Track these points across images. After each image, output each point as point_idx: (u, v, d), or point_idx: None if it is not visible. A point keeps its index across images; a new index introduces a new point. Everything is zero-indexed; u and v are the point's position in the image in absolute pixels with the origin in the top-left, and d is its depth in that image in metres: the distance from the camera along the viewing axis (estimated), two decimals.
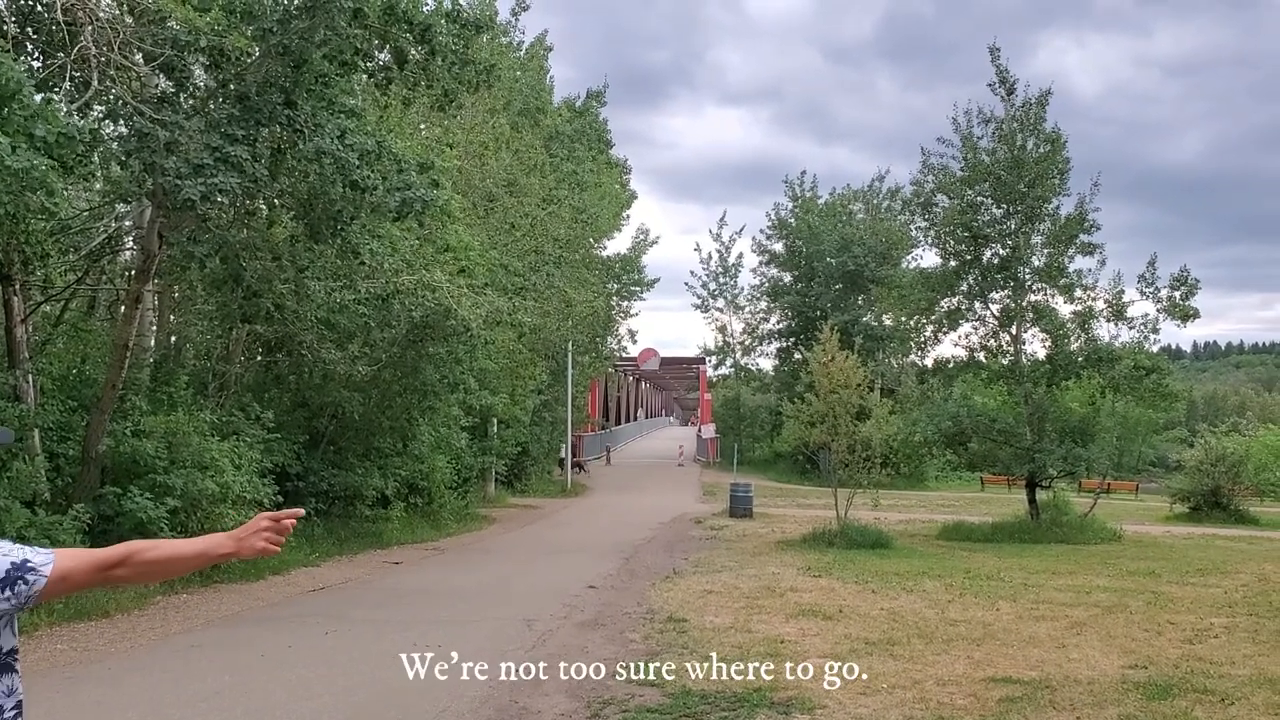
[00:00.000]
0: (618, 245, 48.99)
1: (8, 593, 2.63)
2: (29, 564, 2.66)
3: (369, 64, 14.26)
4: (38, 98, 10.57)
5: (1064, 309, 24.15)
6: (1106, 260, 24.18)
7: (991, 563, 17.49)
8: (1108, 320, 23.72)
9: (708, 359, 58.28)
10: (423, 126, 23.48)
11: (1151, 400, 23.57)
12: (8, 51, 10.75)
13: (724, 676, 8.62)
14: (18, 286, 13.45)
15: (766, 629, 10.83)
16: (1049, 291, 24.27)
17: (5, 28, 11.97)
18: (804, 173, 64.31)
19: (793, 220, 50.72)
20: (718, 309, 54.80)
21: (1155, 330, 23.46)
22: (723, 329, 54.71)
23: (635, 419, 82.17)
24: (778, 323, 52.37)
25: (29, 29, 12.60)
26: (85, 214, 17.02)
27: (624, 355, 55.77)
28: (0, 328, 14.02)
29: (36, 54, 12.68)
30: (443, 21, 13.70)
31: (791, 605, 12.39)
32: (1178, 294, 23.07)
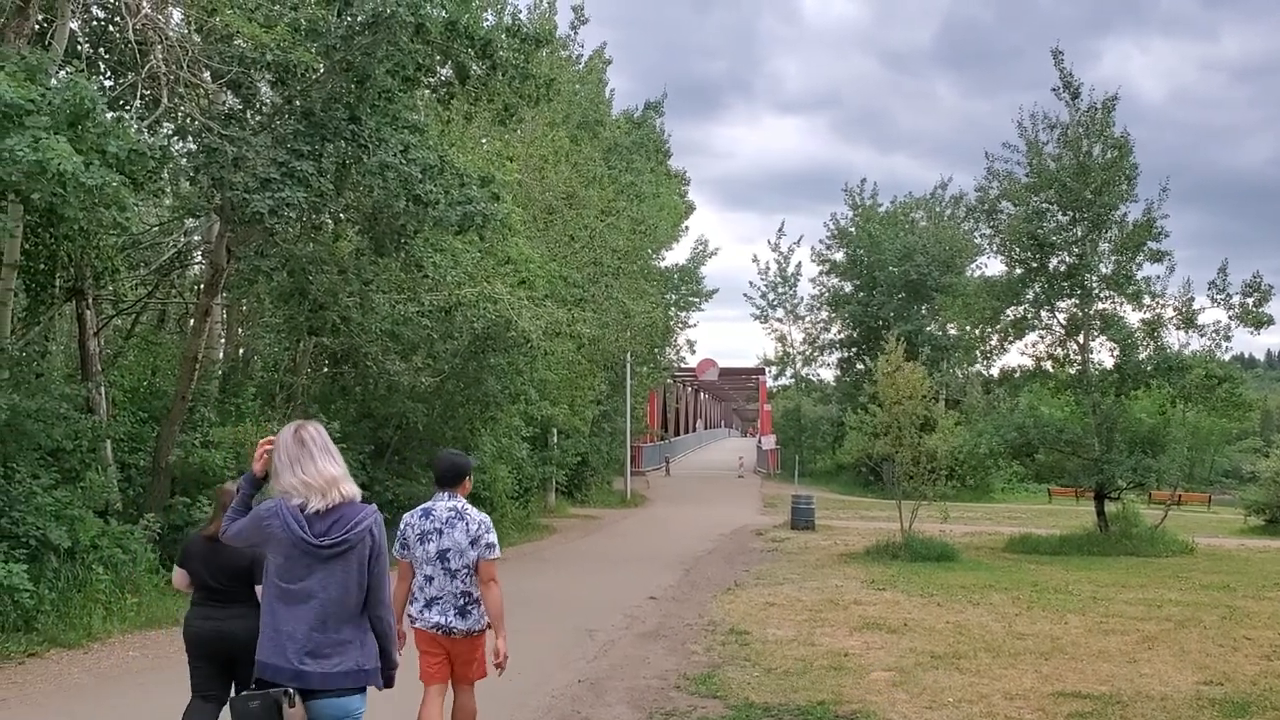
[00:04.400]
0: (676, 256, 49.07)
1: (478, 550, 5.72)
2: (494, 543, 5.79)
3: (431, 79, 14.43)
4: (110, 115, 10.81)
5: (1132, 317, 23.70)
6: (1175, 267, 23.66)
7: (1059, 575, 17.19)
8: (1177, 328, 23.22)
9: (767, 369, 58.01)
10: (484, 140, 23.70)
11: (1224, 410, 23.03)
12: (81, 71, 11.02)
13: (787, 690, 8.56)
14: (90, 301, 13.75)
15: (830, 642, 10.72)
16: (1117, 299, 23.82)
17: (79, 48, 12.28)
18: (864, 180, 63.78)
19: (853, 229, 50.35)
20: (777, 319, 54.55)
21: (1227, 338, 22.92)
22: (782, 339, 54.43)
23: (694, 430, 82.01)
24: (839, 333, 51.97)
25: (101, 49, 12.92)
26: (155, 229, 17.40)
27: (683, 366, 55.74)
28: (73, 341, 14.35)
29: (108, 73, 13.00)
30: (503, 36, 13.84)
31: (855, 618, 12.26)
32: (1250, 300, 22.52)
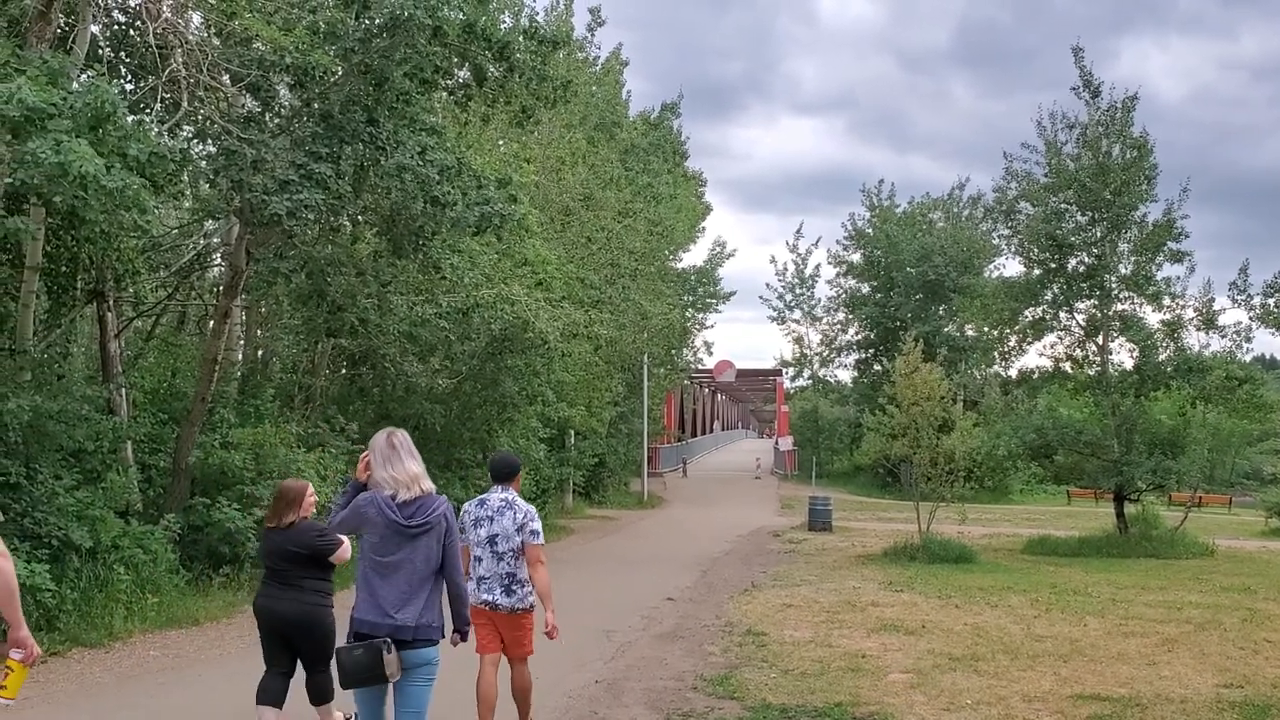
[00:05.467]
0: (694, 257, 49.02)
1: (523, 536, 6.56)
2: (537, 530, 6.62)
3: (449, 81, 14.46)
4: (130, 119, 10.88)
5: (1152, 318, 23.58)
6: (1195, 268, 23.50)
7: (1079, 577, 17.12)
8: (1197, 329, 23.09)
9: (784, 371, 57.87)
10: (501, 142, 23.73)
11: (1245, 411, 22.87)
12: (102, 74, 11.11)
13: (804, 691, 8.55)
14: (111, 303, 13.83)
15: (847, 644, 10.71)
16: (1136, 300, 23.70)
17: (100, 52, 12.36)
18: (881, 181, 63.43)
19: (870, 230, 50.16)
20: (794, 320, 54.37)
21: (1248, 339, 22.80)
22: (799, 340, 54.27)
23: (711, 431, 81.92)
24: (856, 334, 51.80)
25: (122, 53, 13.00)
26: (175, 231, 17.48)
27: (700, 367, 55.65)
28: (94, 343, 14.45)
29: (129, 77, 13.08)
30: (520, 39, 13.86)
31: (873, 620, 12.24)
32: (1272, 301, 22.37)
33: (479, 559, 6.59)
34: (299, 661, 6.73)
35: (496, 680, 6.64)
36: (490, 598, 6.55)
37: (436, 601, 5.10)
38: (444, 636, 5.15)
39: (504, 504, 6.63)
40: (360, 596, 5.03)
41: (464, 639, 5.43)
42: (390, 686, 5.00)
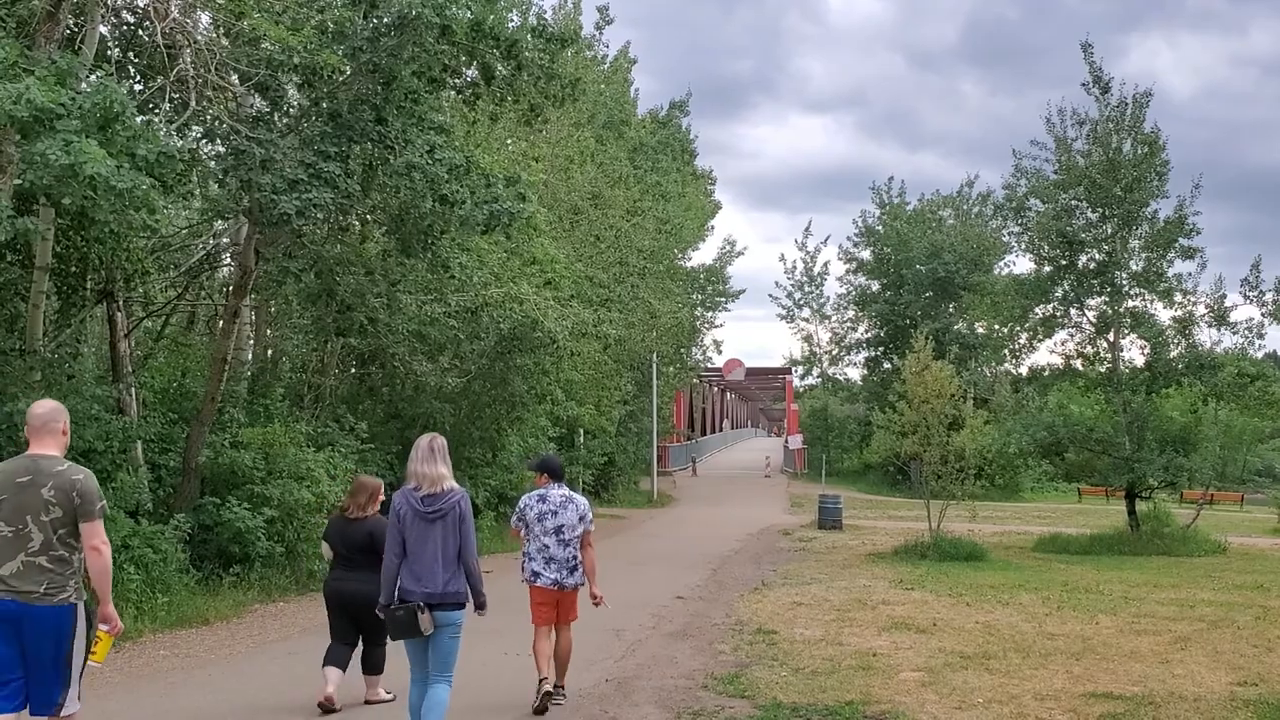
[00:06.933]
0: (703, 256, 49.00)
1: (584, 524, 7.87)
2: (591, 518, 7.96)
3: (457, 80, 14.44)
4: (139, 119, 10.88)
5: (1163, 314, 23.49)
6: (1207, 264, 23.39)
7: (1090, 575, 17.05)
8: (1209, 325, 23.01)
9: (794, 369, 57.86)
10: (509, 141, 23.73)
11: (1257, 408, 22.79)
12: (111, 75, 11.11)
13: (815, 690, 8.52)
14: (121, 303, 13.84)
15: (858, 642, 10.68)
16: (1147, 297, 23.61)
17: (109, 52, 12.38)
18: (891, 179, 63.43)
19: (880, 227, 50.13)
20: (803, 319, 54.38)
21: (1260, 335, 22.71)
22: (809, 338, 54.27)
23: (721, 430, 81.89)
24: (865, 331, 51.78)
25: (131, 53, 13.01)
26: (184, 231, 17.51)
27: (709, 366, 55.66)
28: (104, 343, 14.47)
29: (137, 76, 13.08)
30: (528, 37, 13.82)
31: (883, 618, 12.21)
32: None
33: (546, 546, 7.74)
34: (361, 636, 7.71)
35: (550, 646, 7.82)
36: (559, 578, 7.74)
37: (457, 575, 6.24)
38: (468, 602, 6.27)
39: (565, 499, 7.83)
40: (402, 573, 6.25)
41: (482, 610, 6.40)
42: (429, 640, 6.19)
